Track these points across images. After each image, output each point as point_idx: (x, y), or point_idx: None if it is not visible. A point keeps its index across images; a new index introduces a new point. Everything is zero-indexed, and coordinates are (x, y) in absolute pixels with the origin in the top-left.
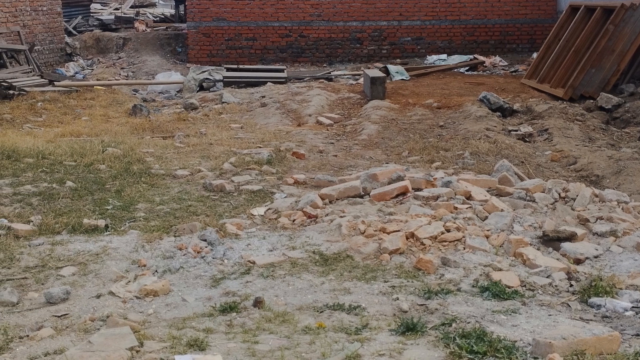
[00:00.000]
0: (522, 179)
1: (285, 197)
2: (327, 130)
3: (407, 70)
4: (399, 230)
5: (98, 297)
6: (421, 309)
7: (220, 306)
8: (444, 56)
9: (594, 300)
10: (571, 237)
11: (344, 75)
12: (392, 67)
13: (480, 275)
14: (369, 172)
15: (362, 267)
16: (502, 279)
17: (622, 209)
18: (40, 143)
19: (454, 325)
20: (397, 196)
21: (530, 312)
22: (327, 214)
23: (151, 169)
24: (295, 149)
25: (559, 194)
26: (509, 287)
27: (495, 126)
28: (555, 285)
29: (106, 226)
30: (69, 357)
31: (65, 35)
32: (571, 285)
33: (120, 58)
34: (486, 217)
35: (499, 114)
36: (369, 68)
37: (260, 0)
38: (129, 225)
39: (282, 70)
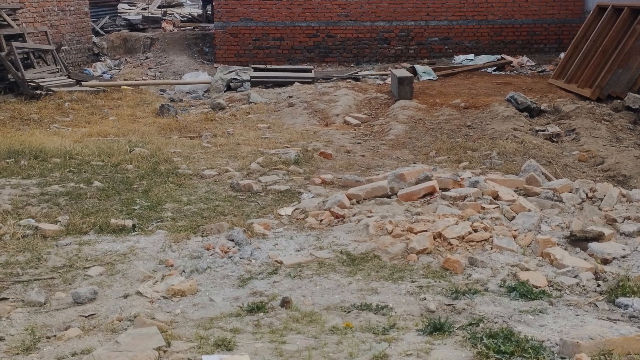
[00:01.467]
0: (549, 179)
1: (312, 197)
2: (355, 130)
3: (435, 70)
4: (426, 230)
5: (125, 297)
6: (448, 309)
7: (247, 306)
8: (471, 56)
9: (622, 300)
10: (598, 237)
11: (372, 75)
12: (419, 67)
13: (508, 275)
14: (397, 172)
15: (389, 267)
16: (529, 279)
17: None
18: (67, 143)
19: (481, 325)
20: (424, 196)
21: (558, 312)
22: (354, 214)
23: (178, 169)
24: (322, 149)
25: (587, 194)
26: (536, 287)
27: (523, 126)
28: (583, 285)
29: (133, 226)
30: (97, 357)
31: (93, 35)
32: (598, 285)
33: (147, 58)
34: (513, 217)
35: (526, 114)
36: (396, 68)
37: (287, 0)
38: (156, 225)
39: (309, 70)
